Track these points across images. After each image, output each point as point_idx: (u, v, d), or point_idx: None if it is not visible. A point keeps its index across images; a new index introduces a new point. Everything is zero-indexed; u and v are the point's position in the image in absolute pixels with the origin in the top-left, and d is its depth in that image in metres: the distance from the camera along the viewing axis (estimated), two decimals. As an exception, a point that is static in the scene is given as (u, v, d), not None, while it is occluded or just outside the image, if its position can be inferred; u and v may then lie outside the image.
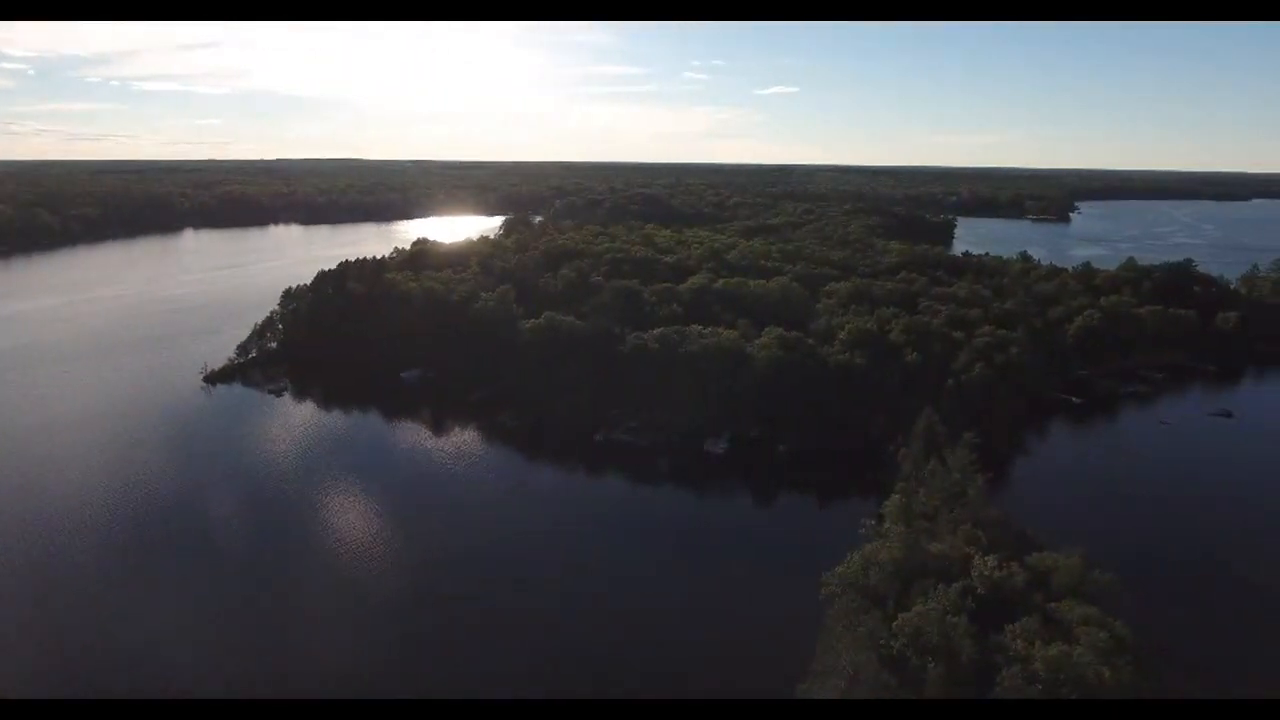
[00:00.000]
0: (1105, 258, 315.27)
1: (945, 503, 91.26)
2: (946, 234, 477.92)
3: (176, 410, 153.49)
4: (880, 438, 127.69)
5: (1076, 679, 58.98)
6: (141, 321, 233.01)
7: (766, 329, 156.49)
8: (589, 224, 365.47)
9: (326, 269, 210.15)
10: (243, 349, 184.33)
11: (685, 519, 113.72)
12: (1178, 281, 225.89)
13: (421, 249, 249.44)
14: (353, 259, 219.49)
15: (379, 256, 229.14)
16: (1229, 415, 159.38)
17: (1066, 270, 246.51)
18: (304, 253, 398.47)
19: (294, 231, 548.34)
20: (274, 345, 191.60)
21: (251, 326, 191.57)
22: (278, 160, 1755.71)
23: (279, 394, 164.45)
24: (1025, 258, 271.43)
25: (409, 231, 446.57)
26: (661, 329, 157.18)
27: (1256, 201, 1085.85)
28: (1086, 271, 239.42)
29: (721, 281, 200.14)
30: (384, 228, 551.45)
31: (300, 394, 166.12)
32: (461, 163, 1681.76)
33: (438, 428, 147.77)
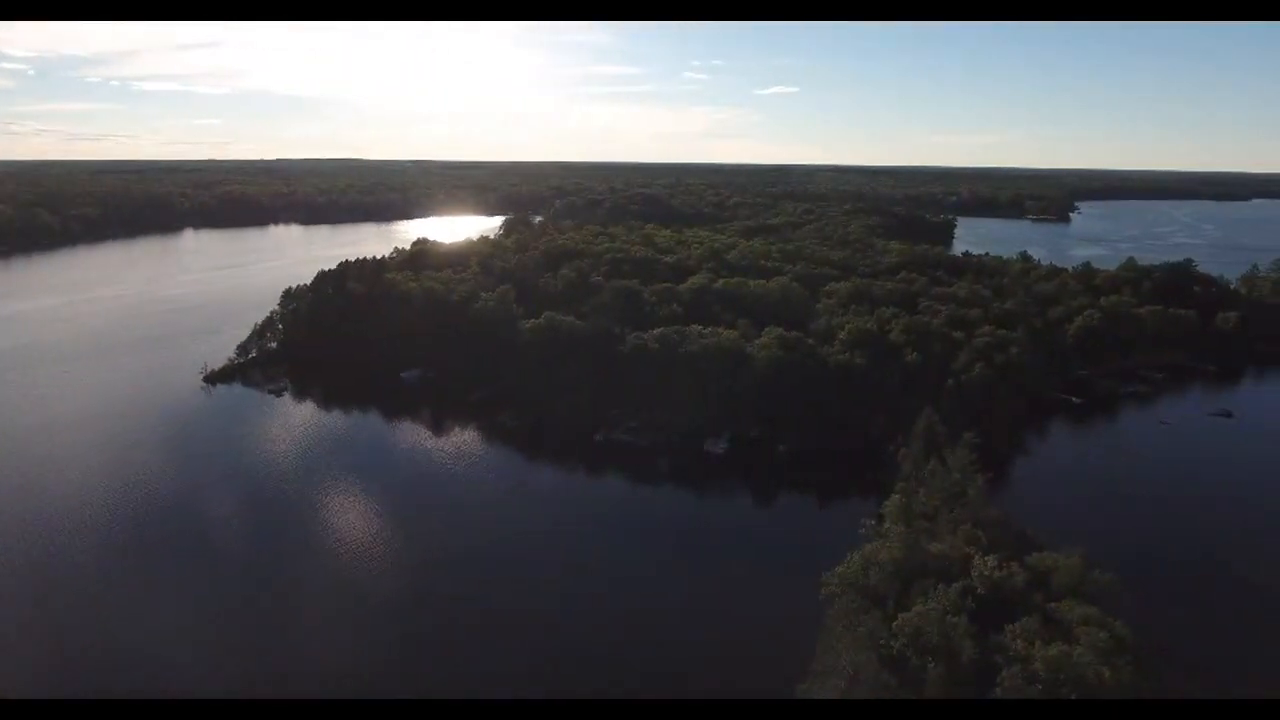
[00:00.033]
0: (1105, 258, 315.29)
1: (945, 503, 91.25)
2: (946, 234, 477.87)
3: (176, 410, 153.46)
4: (880, 438, 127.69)
5: (1076, 679, 58.98)
6: (141, 321, 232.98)
7: (766, 329, 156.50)
8: (589, 224, 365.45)
9: (326, 269, 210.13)
10: (242, 349, 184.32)
11: (685, 519, 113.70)
12: (1178, 281, 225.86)
13: (421, 249, 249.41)
14: (353, 259, 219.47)
15: (379, 256, 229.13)
16: (1229, 415, 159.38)
17: (1066, 270, 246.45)
18: (304, 253, 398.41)
19: (294, 231, 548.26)
20: (274, 345, 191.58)
21: (251, 326, 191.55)
22: (277, 160, 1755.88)
23: (279, 394, 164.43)
24: (1025, 258, 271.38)
25: (409, 231, 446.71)
26: (661, 329, 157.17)
27: (1256, 201, 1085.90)
28: (1086, 271, 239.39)
29: (721, 281, 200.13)
30: (384, 228, 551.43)
31: (300, 394, 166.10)
32: (461, 163, 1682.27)
33: (438, 428, 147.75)
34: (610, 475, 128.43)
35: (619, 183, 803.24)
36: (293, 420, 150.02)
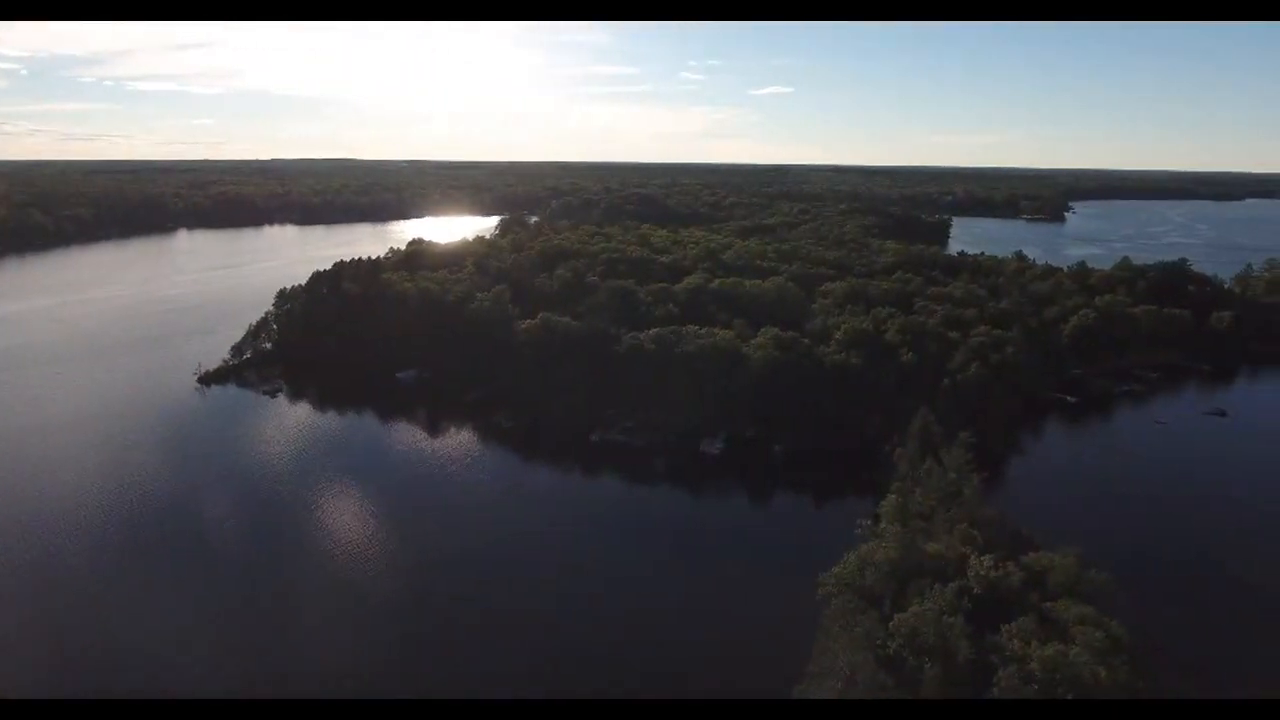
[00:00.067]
0: (1100, 257, 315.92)
1: (941, 502, 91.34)
2: (942, 234, 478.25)
3: (171, 411, 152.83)
4: (876, 437, 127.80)
5: (1073, 679, 59.03)
6: (136, 322, 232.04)
7: (762, 329, 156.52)
8: (585, 224, 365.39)
9: (321, 269, 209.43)
10: (237, 350, 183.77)
11: (681, 519, 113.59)
12: (1172, 281, 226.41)
13: (417, 249, 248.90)
14: (348, 259, 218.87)
15: (374, 257, 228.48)
16: (1223, 414, 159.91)
17: (1061, 270, 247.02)
18: (299, 253, 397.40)
19: (289, 232, 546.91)
20: (269, 346, 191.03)
21: (246, 327, 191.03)
22: (272, 160, 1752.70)
23: (274, 395, 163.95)
24: (1020, 257, 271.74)
25: (404, 232, 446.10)
26: (657, 329, 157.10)
27: (1250, 201, 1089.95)
28: (1081, 271, 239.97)
29: (717, 281, 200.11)
30: (379, 228, 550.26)
31: (295, 395, 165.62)
32: (457, 163, 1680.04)
33: (433, 428, 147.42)
34: (606, 475, 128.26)
35: (615, 183, 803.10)
36: (288, 421, 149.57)
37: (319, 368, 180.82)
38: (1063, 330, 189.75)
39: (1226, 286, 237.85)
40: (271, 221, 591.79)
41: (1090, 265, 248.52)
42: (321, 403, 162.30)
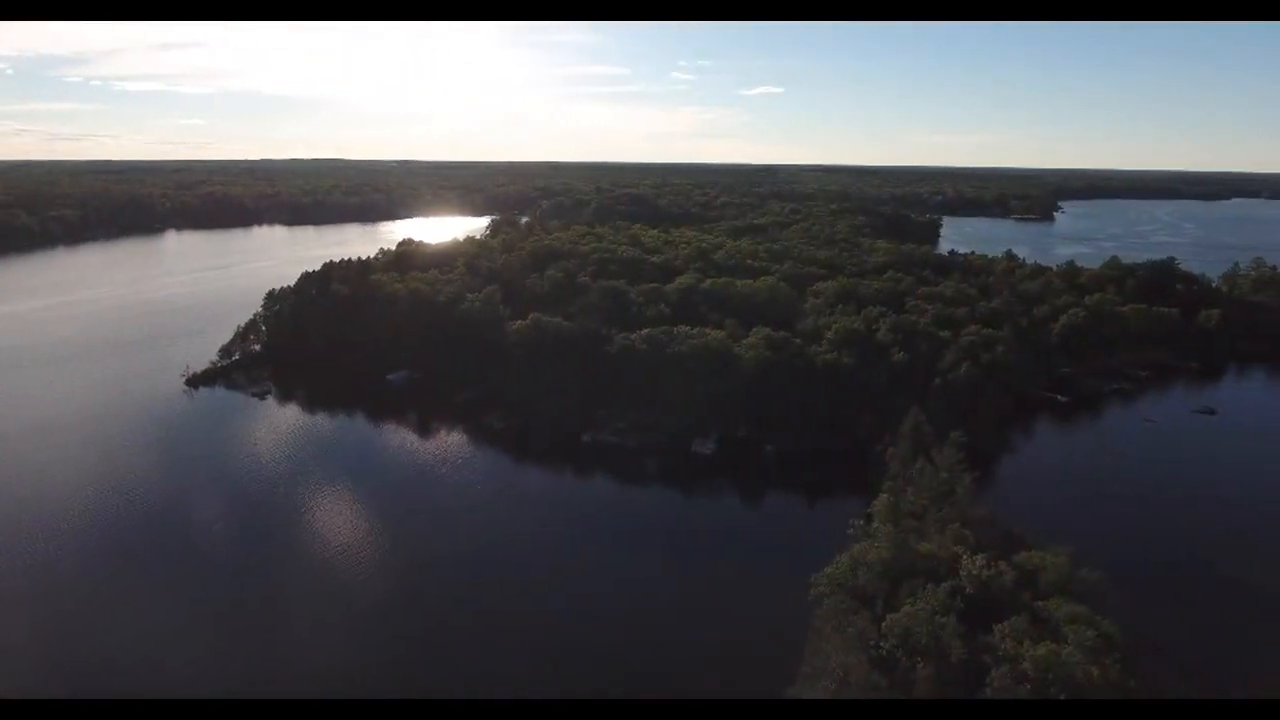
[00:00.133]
0: (1089, 256, 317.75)
1: (933, 502, 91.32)
2: (932, 233, 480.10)
3: (158, 414, 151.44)
4: (868, 437, 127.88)
5: (1065, 678, 59.01)
6: (123, 324, 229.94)
7: (754, 329, 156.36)
8: (576, 224, 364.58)
9: (311, 270, 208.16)
10: (226, 351, 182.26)
11: (673, 520, 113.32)
12: (1160, 280, 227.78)
13: (407, 250, 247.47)
14: (337, 260, 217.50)
15: (364, 257, 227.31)
16: (1212, 412, 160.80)
17: (1051, 269, 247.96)
18: (288, 254, 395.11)
19: (278, 232, 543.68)
20: (257, 348, 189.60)
21: (235, 329, 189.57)
22: (261, 160, 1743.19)
23: (262, 397, 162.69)
24: (1010, 256, 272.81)
25: (394, 232, 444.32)
26: (649, 329, 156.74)
27: (1236, 200, 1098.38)
28: (1071, 270, 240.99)
29: (709, 281, 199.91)
30: (369, 228, 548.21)
31: (284, 397, 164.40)
32: (447, 163, 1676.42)
33: (424, 430, 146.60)
34: (598, 476, 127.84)
35: (606, 183, 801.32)
36: (277, 423, 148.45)
37: (308, 369, 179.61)
38: (1053, 329, 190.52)
39: (1214, 285, 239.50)
40: (260, 222, 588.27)
41: (1079, 264, 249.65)
42: (311, 405, 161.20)
